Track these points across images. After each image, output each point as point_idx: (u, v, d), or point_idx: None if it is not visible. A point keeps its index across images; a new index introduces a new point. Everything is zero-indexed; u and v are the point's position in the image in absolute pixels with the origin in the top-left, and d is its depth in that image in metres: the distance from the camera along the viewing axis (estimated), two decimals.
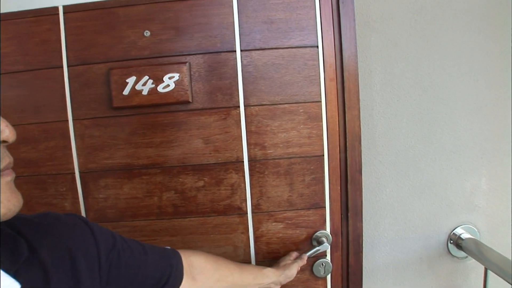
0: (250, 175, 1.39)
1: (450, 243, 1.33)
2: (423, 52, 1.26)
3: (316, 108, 1.37)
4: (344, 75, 1.28)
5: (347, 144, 1.26)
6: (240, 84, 1.36)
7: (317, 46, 1.34)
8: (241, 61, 1.36)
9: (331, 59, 1.34)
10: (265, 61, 1.36)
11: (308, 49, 1.35)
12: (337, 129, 1.34)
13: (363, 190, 1.25)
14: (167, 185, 1.39)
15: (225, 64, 1.36)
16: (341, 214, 1.29)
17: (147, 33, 1.34)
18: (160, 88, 1.33)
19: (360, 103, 1.25)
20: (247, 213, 1.40)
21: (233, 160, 1.38)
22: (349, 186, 1.25)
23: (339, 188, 1.36)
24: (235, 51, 1.36)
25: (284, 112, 1.38)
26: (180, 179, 1.39)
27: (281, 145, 1.39)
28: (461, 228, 1.31)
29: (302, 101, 1.37)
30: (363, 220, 1.27)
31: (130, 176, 1.38)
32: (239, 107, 1.37)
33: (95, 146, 1.37)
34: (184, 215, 1.40)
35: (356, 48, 1.24)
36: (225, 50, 1.36)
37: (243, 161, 1.38)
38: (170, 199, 1.39)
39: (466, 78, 1.27)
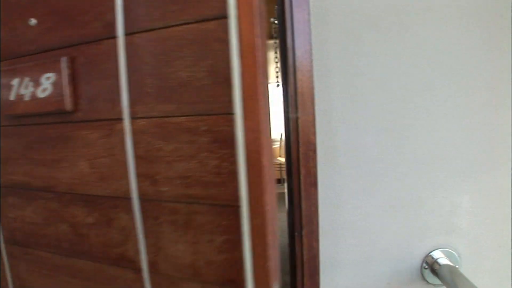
0: (143, 219, 0.97)
1: (425, 268, 1.21)
2: (392, 49, 1.09)
3: (227, 125, 0.83)
4: (297, 76, 0.95)
5: (300, 154, 0.99)
6: (124, 85, 0.93)
7: (226, 17, 0.82)
8: (125, 51, 0.92)
9: (250, 38, 0.79)
10: (152, 49, 0.90)
11: (214, 22, 0.83)
12: (260, 159, 0.83)
13: (320, 206, 1.10)
14: (61, 214, 1.10)
15: (107, 56, 0.95)
16: (295, 232, 1.09)
17: (32, 22, 1.04)
18: (39, 93, 1.03)
19: (316, 108, 1.06)
20: (141, 271, 1.00)
21: (121, 195, 0.99)
22: (302, 202, 1.02)
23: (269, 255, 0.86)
24: (116, 37, 0.93)
25: (181, 130, 0.90)
26: (71, 210, 1.08)
27: (178, 181, 0.93)
28: (440, 251, 1.20)
29: (206, 112, 0.86)
30: (321, 239, 1.13)
31: (29, 197, 1.15)
32: (122, 119, 0.95)
33: (2, 158, 1.18)
34: (79, 256, 1.10)
35: (311, 45, 0.98)
36: (106, 37, 0.94)
37: (131, 198, 0.97)
38: (65, 232, 1.11)
39: (445, 79, 1.10)
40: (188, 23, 0.86)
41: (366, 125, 1.13)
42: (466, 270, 1.23)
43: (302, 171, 1.02)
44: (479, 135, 1.14)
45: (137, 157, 0.95)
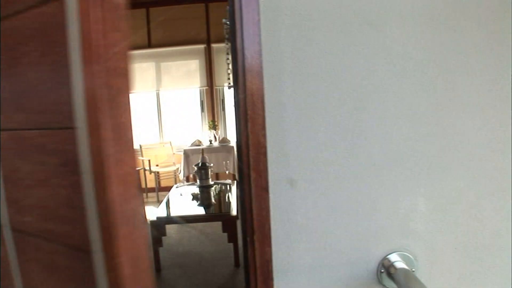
0: (17, 251, 0.88)
1: (381, 272, 1.21)
2: (346, 50, 1.09)
3: (72, 143, 0.70)
4: (246, 77, 0.95)
5: (250, 157, 0.98)
6: None
7: None
8: None
9: (86, 25, 0.66)
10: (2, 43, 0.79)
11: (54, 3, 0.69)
12: (105, 190, 0.67)
13: (272, 210, 1.08)
14: None
15: None
16: (246, 238, 1.10)
17: None
18: None
19: (267, 109, 1.03)
20: None
21: None
22: (253, 207, 1.02)
23: None
24: None
25: (33, 146, 0.78)
26: None
27: (37, 211, 0.80)
28: (397, 254, 1.21)
29: (52, 125, 0.73)
30: (274, 244, 1.12)
31: None
32: None
33: None
34: None
35: (261, 46, 0.98)
36: None
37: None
38: None
39: (398, 80, 1.11)
40: (29, 8, 0.71)
41: (319, 126, 1.12)
42: (422, 273, 1.22)
43: (253, 174, 0.99)
44: (433, 137, 1.15)
45: (4, 178, 0.85)
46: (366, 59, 1.10)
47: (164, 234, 3.62)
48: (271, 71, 1.03)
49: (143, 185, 6.23)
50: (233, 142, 6.43)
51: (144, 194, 6.18)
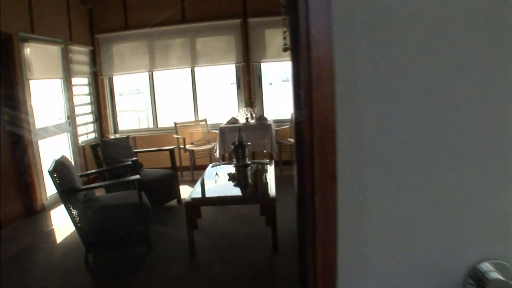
0: None
1: (470, 283, 1.00)
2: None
3: None
4: (311, 33, 0.76)
5: (314, 138, 0.81)
6: None
7: None
8: None
9: None
10: None
11: None
12: None
13: (339, 205, 0.89)
14: None
15: None
16: (306, 237, 0.94)
17: None
18: None
19: (336, 79, 0.81)
20: None
21: None
22: (316, 199, 0.85)
23: None
24: None
25: None
26: None
27: None
28: (489, 263, 0.99)
29: None
30: (339, 246, 0.94)
31: None
32: None
33: None
34: None
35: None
36: None
37: None
38: None
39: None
40: None
41: (404, 101, 0.90)
42: None
43: (317, 159, 0.79)
44: None
45: None
46: None
47: (199, 216, 3.50)
48: (342, 27, 0.81)
49: (178, 164, 6.15)
50: (270, 120, 6.24)
51: (179, 173, 6.11)
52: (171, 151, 4.99)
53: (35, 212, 4.98)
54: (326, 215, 0.82)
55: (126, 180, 3.68)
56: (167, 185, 4.76)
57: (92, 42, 6.62)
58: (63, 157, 3.58)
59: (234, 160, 4.48)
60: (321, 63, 0.74)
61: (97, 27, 6.64)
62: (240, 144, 4.44)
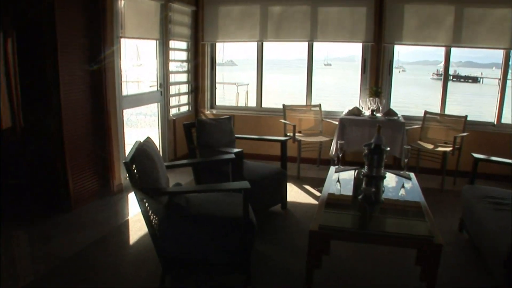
0: None
1: None
2: None
3: None
4: None
5: None
6: None
7: None
8: None
9: None
10: None
11: None
12: None
13: None
14: None
15: None
16: None
17: None
18: None
19: None
20: None
21: None
22: None
23: None
24: None
25: None
26: None
27: None
28: None
29: None
30: None
31: None
32: None
33: None
34: None
35: None
36: None
37: None
38: None
39: None
40: None
41: None
42: None
43: None
44: None
45: None
46: None
47: (327, 252, 2.35)
48: None
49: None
50: (400, 116, 4.86)
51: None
52: (283, 143, 3.85)
53: (111, 193, 4.18)
54: None
55: (229, 189, 2.60)
56: (273, 186, 3.65)
57: (195, 2, 5.65)
58: (147, 141, 2.60)
59: (366, 167, 3.25)
60: None
61: None
62: (377, 148, 3.18)
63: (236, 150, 3.26)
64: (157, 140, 5.25)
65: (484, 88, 26.31)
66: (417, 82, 22.97)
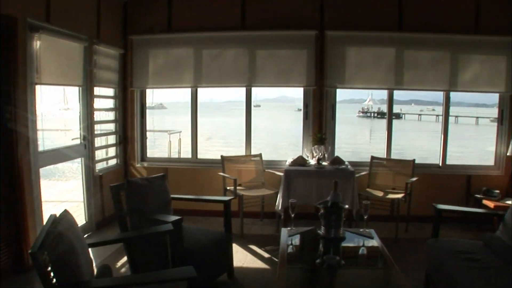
0: None
1: None
2: None
3: None
4: None
5: None
6: None
7: None
8: None
9: None
10: None
11: None
12: None
13: None
14: None
15: None
16: None
17: None
18: None
19: None
20: None
21: None
22: None
23: None
24: None
25: None
26: None
27: None
28: None
29: None
30: None
31: None
32: None
33: None
34: None
35: None
36: None
37: None
38: None
39: None
40: None
41: None
42: None
43: None
44: None
45: None
46: None
47: None
48: None
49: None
50: (347, 163, 4.66)
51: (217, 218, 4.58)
52: (227, 204, 3.40)
53: (25, 269, 3.45)
54: None
55: (172, 279, 2.08)
56: (218, 254, 3.17)
57: (124, 44, 5.20)
58: (63, 217, 2.06)
59: (323, 228, 2.92)
60: None
61: (132, 26, 5.21)
62: (334, 206, 2.88)
63: (173, 218, 2.77)
64: (81, 197, 4.61)
65: (406, 123, 28.09)
66: (346, 120, 23.94)
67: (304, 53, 5.02)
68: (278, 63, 5.09)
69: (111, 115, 5.22)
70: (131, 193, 3.10)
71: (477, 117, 28.54)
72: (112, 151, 5.25)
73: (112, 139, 5.26)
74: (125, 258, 3.52)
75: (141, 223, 3.04)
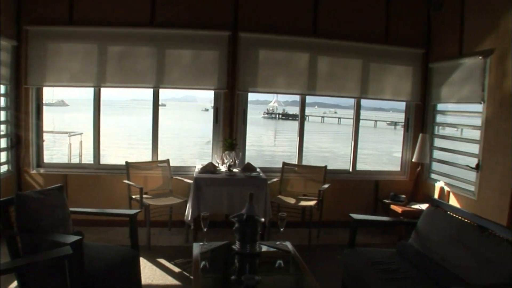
0: None
1: None
2: None
3: None
4: None
5: None
6: None
7: None
8: None
9: None
10: None
11: None
12: None
13: None
14: None
15: None
16: None
17: None
18: None
19: None
20: None
21: None
22: None
23: None
24: None
25: None
26: None
27: None
28: None
29: None
30: None
31: None
32: None
33: None
34: None
35: None
36: None
37: None
38: None
39: None
40: None
41: None
42: None
43: None
44: None
45: None
46: None
47: None
48: None
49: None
50: (259, 170, 4.56)
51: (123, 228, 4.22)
52: (132, 218, 3.08)
53: None
54: None
55: None
56: (123, 274, 2.86)
57: (17, 36, 4.56)
58: None
59: (238, 243, 2.75)
60: None
61: (27, 16, 4.58)
62: (250, 219, 2.73)
63: (72, 238, 2.40)
64: None
65: (310, 125, 29.28)
66: (251, 121, 24.26)
67: (216, 54, 4.85)
68: (189, 64, 4.86)
69: (2, 116, 4.52)
70: (23, 209, 2.65)
71: (376, 121, 30.48)
72: (3, 156, 4.55)
73: (3, 143, 4.55)
74: (15, 283, 3.03)
75: (35, 245, 2.62)
